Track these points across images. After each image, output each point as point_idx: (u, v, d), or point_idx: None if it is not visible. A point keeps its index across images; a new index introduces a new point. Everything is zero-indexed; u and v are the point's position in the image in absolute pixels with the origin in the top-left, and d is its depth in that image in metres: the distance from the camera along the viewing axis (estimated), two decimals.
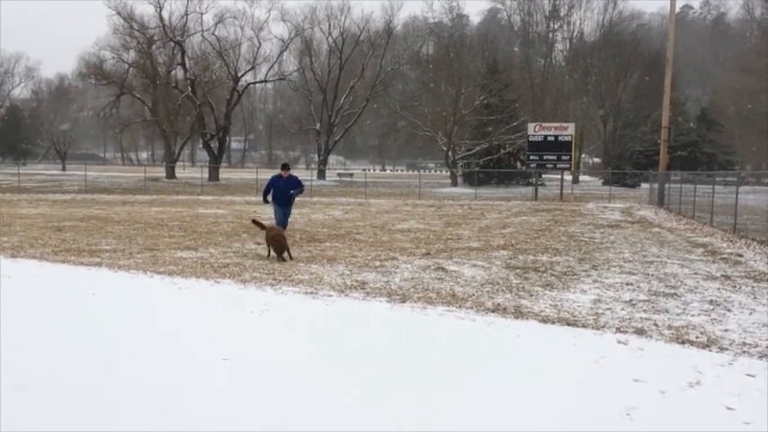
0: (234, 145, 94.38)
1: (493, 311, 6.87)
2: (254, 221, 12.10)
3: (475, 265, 9.96)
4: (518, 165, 45.20)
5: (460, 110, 42.90)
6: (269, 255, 10.51)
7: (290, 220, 13.79)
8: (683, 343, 5.75)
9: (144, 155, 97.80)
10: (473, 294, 7.74)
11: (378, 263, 10.11)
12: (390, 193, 35.64)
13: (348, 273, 9.17)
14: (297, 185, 13.33)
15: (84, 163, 56.78)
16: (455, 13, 77.37)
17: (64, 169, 66.13)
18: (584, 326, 6.31)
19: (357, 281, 8.54)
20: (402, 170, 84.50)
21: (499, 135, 41.80)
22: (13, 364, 4.97)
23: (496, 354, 5.41)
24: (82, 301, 7.16)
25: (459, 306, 7.11)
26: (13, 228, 14.55)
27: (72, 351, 5.33)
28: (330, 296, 7.58)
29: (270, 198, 13.29)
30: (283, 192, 13.14)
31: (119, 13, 48.28)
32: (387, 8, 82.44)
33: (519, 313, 6.79)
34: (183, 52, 49.88)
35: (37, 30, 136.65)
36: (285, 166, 13.56)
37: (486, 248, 12.01)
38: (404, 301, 7.31)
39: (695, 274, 9.47)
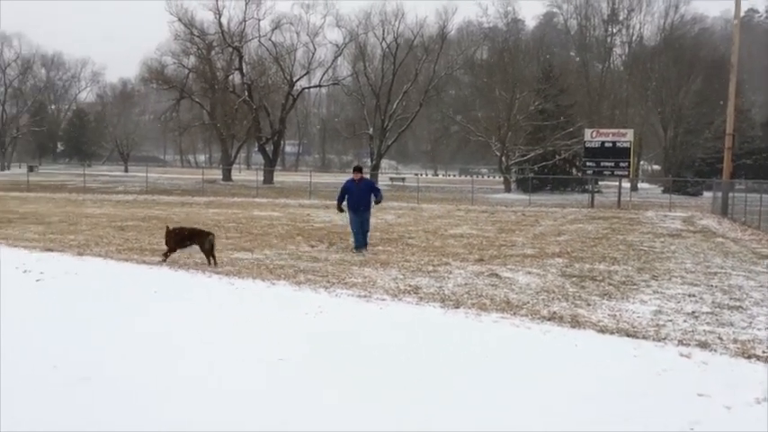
0: (288, 149, 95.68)
1: (549, 320, 6.76)
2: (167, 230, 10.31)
3: (529, 273, 9.83)
4: (573, 171, 44.41)
5: (515, 115, 42.46)
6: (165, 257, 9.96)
7: (368, 229, 12.41)
8: (749, 357, 5.53)
9: (202, 157, 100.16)
10: (528, 302, 7.64)
11: (431, 268, 10.09)
12: (443, 198, 35.52)
13: (401, 277, 9.17)
14: (373, 190, 12.26)
15: (145, 165, 58.64)
16: (510, 18, 76.61)
17: (126, 171, 68.33)
18: (644, 337, 6.14)
19: (410, 285, 8.54)
20: (454, 175, 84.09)
21: (554, 141, 41.18)
22: (78, 356, 5.16)
23: (553, 363, 5.32)
24: (144, 299, 7.38)
25: (514, 313, 7.02)
26: (79, 227, 15.11)
27: (134, 346, 5.50)
28: (383, 300, 7.60)
29: (345, 206, 12.25)
30: (358, 197, 11.97)
31: (180, 20, 49.76)
32: (441, 13, 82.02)
33: (576, 322, 6.67)
34: (241, 57, 50.96)
35: (102, 36, 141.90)
36: (357, 169, 12.38)
37: (541, 256, 11.84)
38: (457, 307, 7.27)
39: (761, 286, 9.10)
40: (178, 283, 8.41)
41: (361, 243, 12.00)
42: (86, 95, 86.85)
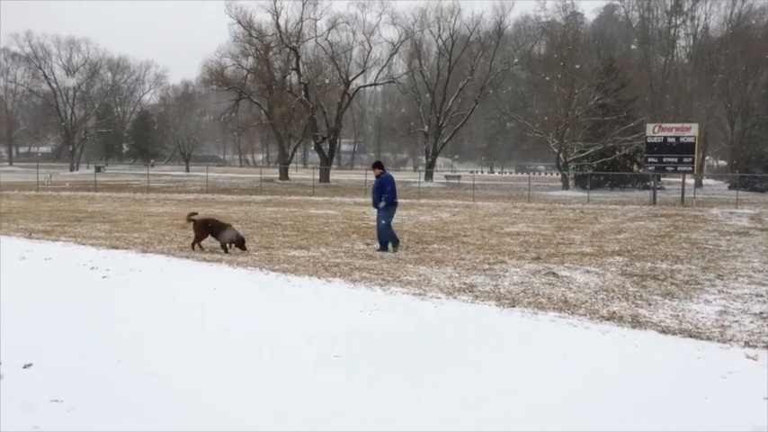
0: (344, 147, 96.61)
1: (608, 320, 6.61)
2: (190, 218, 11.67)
3: (588, 271, 9.62)
4: (634, 167, 43.18)
5: (573, 110, 41.58)
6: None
7: (388, 223, 11.47)
8: None
9: (260, 157, 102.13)
10: (586, 301, 7.49)
11: (486, 266, 10.00)
12: (498, 195, 35.14)
13: (456, 275, 9.13)
14: (380, 188, 11.45)
15: (205, 164, 60.18)
16: (569, 12, 74.85)
17: (187, 170, 70.24)
18: (708, 338, 5.94)
19: (465, 284, 8.49)
20: (511, 172, 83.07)
21: (614, 136, 40.12)
22: (142, 352, 5.34)
23: (613, 364, 5.20)
24: (204, 296, 7.57)
25: (572, 313, 6.90)
26: (143, 225, 15.62)
27: (195, 341, 5.66)
28: (438, 298, 7.58)
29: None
30: (373, 194, 11.65)
31: (239, 22, 50.77)
32: (498, 8, 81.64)
33: (636, 322, 6.50)
34: (298, 57, 51.61)
35: (165, 39, 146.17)
36: (376, 165, 11.90)
37: (600, 254, 11.57)
38: (513, 306, 7.19)
39: None
40: (236, 281, 8.59)
41: (380, 243, 11.60)
42: (150, 98, 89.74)
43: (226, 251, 11.00)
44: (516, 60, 54.12)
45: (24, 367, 4.84)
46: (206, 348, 5.47)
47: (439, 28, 54.17)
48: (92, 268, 9.18)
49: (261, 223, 16.50)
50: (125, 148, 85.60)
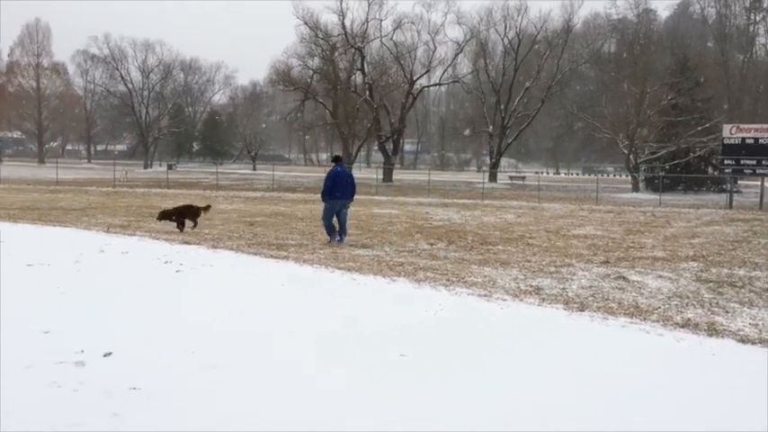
0: (407, 147, 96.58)
1: (682, 327, 6.38)
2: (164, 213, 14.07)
3: (660, 276, 9.31)
4: (709, 170, 41.51)
5: (645, 110, 40.32)
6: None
7: (326, 214, 12.35)
8: None
9: (324, 156, 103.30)
10: (659, 307, 7.25)
11: (553, 268, 9.82)
12: (565, 197, 34.44)
13: (522, 277, 9.00)
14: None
15: (271, 163, 61.35)
16: (641, 9, 72.70)
17: (254, 169, 71.83)
18: None
19: (531, 286, 8.36)
20: (578, 174, 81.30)
21: (688, 137, 38.65)
22: (213, 343, 5.50)
23: (688, 373, 5.02)
24: (272, 292, 7.73)
25: (644, 319, 6.69)
26: (212, 221, 16.05)
27: (261, 337, 5.79)
28: (504, 300, 7.49)
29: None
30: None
31: (306, 23, 51.57)
32: (566, 6, 79.77)
33: (713, 330, 6.25)
34: (363, 58, 52.02)
35: (235, 41, 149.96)
36: (333, 159, 13.13)
37: (673, 259, 11.18)
38: (582, 310, 7.03)
39: None
40: (302, 278, 8.72)
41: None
42: (219, 98, 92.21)
43: (195, 225, 13.83)
44: (585, 59, 52.88)
45: (105, 356, 5.06)
46: (274, 343, 5.58)
47: (505, 27, 53.58)
48: (166, 262, 9.51)
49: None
50: (195, 146, 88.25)
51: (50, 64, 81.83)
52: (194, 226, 13.81)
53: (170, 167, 60.21)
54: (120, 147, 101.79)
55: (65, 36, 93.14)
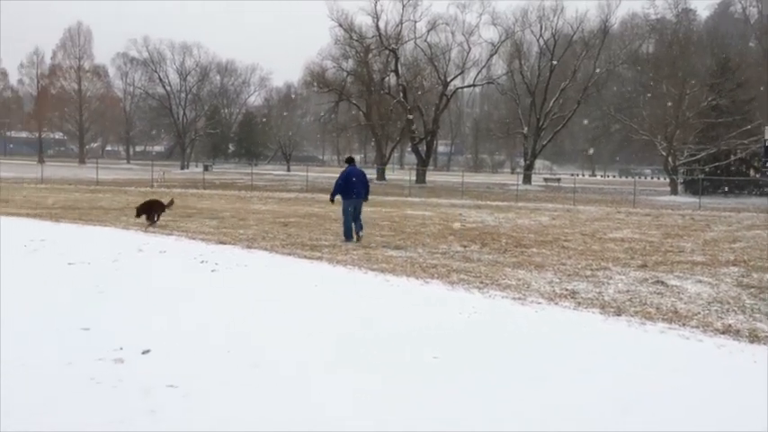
0: (440, 148, 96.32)
1: (723, 333, 6.23)
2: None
3: (700, 281, 9.11)
4: (750, 172, 40.47)
5: (684, 112, 39.49)
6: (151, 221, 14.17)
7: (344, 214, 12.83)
8: None
9: (357, 157, 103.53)
10: (698, 313, 7.09)
11: (589, 272, 9.68)
12: (601, 199, 33.93)
13: (557, 281, 8.90)
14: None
15: (305, 164, 61.83)
16: (680, 8, 71.30)
17: (288, 170, 72.40)
18: None
19: (567, 289, 8.26)
20: (614, 176, 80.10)
21: (729, 139, 37.72)
22: (248, 343, 5.55)
23: (730, 381, 4.90)
24: (306, 292, 7.78)
25: (683, 324, 6.55)
26: (247, 222, 16.24)
27: (297, 336, 5.82)
28: (539, 303, 7.41)
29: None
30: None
31: (340, 25, 51.81)
32: (603, 6, 78.26)
33: (755, 337, 6.09)
34: (397, 59, 52.04)
35: (270, 43, 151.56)
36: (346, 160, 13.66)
37: (713, 263, 10.92)
38: (619, 315, 6.92)
39: None
40: (336, 278, 8.76)
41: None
42: (255, 99, 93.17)
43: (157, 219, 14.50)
44: (622, 59, 52.04)
45: (143, 353, 5.15)
46: (309, 343, 5.61)
47: (541, 27, 53.02)
48: (202, 262, 9.64)
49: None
50: (231, 147, 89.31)
51: (91, 67, 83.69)
52: (156, 220, 14.50)
53: (206, 168, 61.06)
54: (157, 148, 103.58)
55: (105, 39, 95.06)
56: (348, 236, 12.61)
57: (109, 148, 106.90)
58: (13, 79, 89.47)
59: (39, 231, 12.89)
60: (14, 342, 5.40)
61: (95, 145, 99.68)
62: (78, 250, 10.40)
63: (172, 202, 15.69)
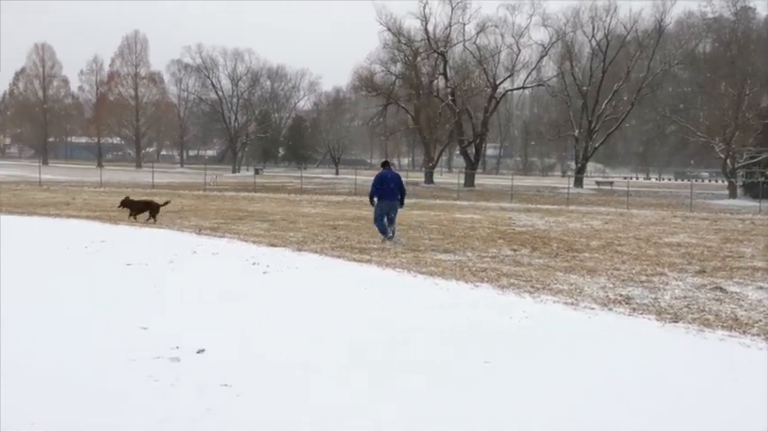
0: (489, 151, 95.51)
1: None
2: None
3: (761, 288, 8.79)
4: None
5: (744, 113, 38.19)
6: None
7: (378, 215, 13.13)
8: None
9: (405, 160, 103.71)
10: (760, 320, 6.84)
11: (644, 277, 9.46)
12: (656, 203, 33.08)
13: (611, 286, 8.72)
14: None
15: (353, 168, 62.14)
16: (738, 6, 68.98)
17: (337, 173, 73.00)
18: None
19: (621, 295, 8.08)
20: (669, 179, 78.00)
21: None
22: (299, 344, 5.62)
23: None
24: (356, 294, 7.83)
25: (744, 332, 6.33)
26: (297, 225, 16.45)
27: (346, 338, 5.86)
28: (592, 309, 7.28)
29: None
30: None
31: (389, 29, 51.98)
32: (658, 5, 76.18)
33: None
34: (446, 62, 51.90)
35: (319, 48, 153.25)
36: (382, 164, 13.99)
37: None
38: (676, 321, 6.73)
39: None
40: (385, 281, 8.79)
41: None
42: (304, 104, 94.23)
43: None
44: (678, 60, 50.64)
45: (198, 352, 5.27)
46: (358, 345, 5.64)
47: (593, 28, 52.05)
48: (253, 264, 9.81)
49: (407, 226, 16.74)
50: (281, 151, 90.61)
51: (147, 73, 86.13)
52: (152, 219, 15.93)
53: (257, 172, 62.02)
54: (210, 152, 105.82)
55: (161, 47, 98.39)
56: (384, 232, 12.94)
57: (164, 152, 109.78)
58: (74, 86, 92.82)
59: (99, 233, 13.34)
60: (79, 339, 5.60)
61: (151, 149, 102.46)
62: (136, 252, 10.72)
63: (167, 203, 17.22)
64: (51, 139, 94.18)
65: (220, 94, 79.75)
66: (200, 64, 79.73)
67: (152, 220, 15.80)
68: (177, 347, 5.34)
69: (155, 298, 7.36)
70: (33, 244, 11.85)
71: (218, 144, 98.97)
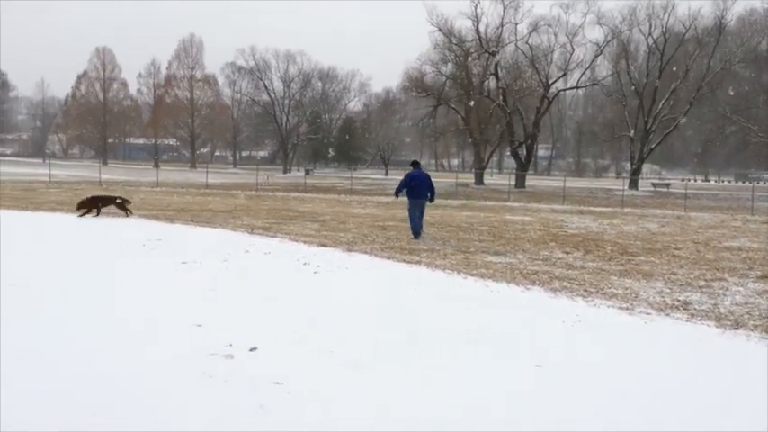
0: (541, 152, 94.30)
1: None
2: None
3: None
4: None
5: None
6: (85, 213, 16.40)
7: (410, 214, 13.95)
8: None
9: (455, 162, 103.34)
10: None
11: (702, 282, 9.16)
12: (715, 206, 32.02)
13: (667, 291, 8.48)
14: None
15: (403, 169, 62.14)
16: None
17: (386, 174, 73.20)
18: None
19: (678, 300, 7.85)
20: (729, 181, 75.44)
21: None
22: (350, 343, 5.65)
23: None
24: (407, 295, 7.84)
25: None
26: (347, 225, 16.56)
27: (397, 338, 5.87)
28: (648, 314, 7.09)
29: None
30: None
31: (440, 30, 51.77)
32: (719, 3, 74.04)
33: None
34: (497, 62, 51.40)
35: (369, 49, 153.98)
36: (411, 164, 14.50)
37: None
38: (737, 328, 6.50)
39: None
40: (435, 282, 8.76)
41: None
42: (354, 105, 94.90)
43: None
44: (739, 58, 48.86)
45: (250, 350, 5.36)
46: (406, 346, 5.64)
47: (650, 26, 50.67)
48: (304, 264, 9.92)
49: (457, 228, 16.67)
50: (331, 152, 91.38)
51: (202, 76, 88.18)
52: (96, 213, 16.65)
53: (307, 173, 62.71)
54: (262, 153, 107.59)
55: (215, 49, 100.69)
56: (416, 234, 13.57)
57: (217, 153, 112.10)
58: (133, 89, 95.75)
59: (155, 232, 13.72)
60: (135, 335, 5.78)
61: (205, 150, 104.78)
62: (191, 250, 10.98)
63: (126, 201, 17.50)
64: (111, 141, 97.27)
65: (272, 95, 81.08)
66: (253, 66, 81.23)
67: (125, 214, 16.75)
68: (230, 345, 5.45)
69: (209, 296, 7.52)
70: (94, 242, 12.27)
71: (270, 145, 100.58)
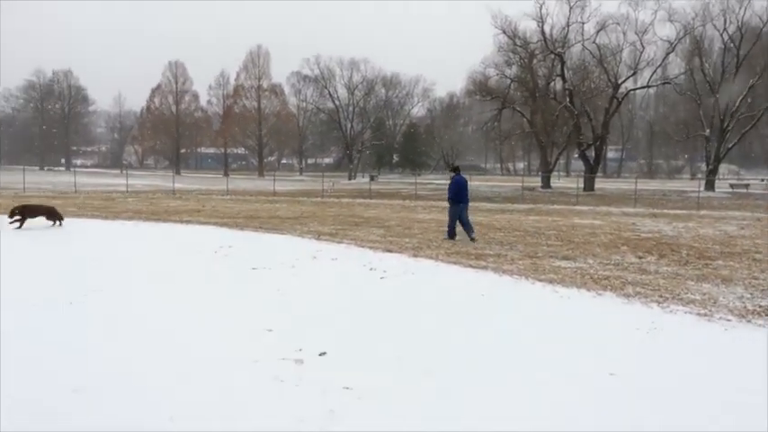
0: (610, 154, 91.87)
1: None
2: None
3: None
4: None
5: None
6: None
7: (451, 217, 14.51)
8: None
9: (520, 165, 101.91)
10: None
11: None
12: None
13: (749, 296, 8.10)
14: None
15: (468, 173, 61.74)
16: None
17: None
18: None
19: (761, 306, 7.49)
20: None
21: None
22: (420, 350, 5.65)
23: None
24: (473, 301, 7.78)
25: None
26: (412, 230, 16.57)
27: (466, 345, 5.83)
28: (728, 320, 6.79)
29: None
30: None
31: (504, 32, 51.28)
32: None
33: None
34: (563, 63, 50.46)
35: (432, 55, 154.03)
36: (452, 169, 15.16)
37: None
38: None
39: None
40: (502, 288, 8.66)
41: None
42: (418, 110, 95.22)
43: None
44: None
45: (320, 355, 5.44)
46: (474, 353, 5.59)
47: (724, 21, 48.70)
48: (371, 269, 9.99)
49: (524, 232, 16.43)
50: (395, 158, 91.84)
51: (269, 85, 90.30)
52: (20, 225, 15.53)
53: (372, 179, 63.21)
54: (327, 160, 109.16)
55: (281, 59, 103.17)
56: (451, 235, 14.18)
57: (284, 161, 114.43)
58: (203, 101, 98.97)
59: (226, 239, 14.10)
60: (208, 339, 5.95)
61: (272, 158, 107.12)
62: (260, 256, 11.23)
63: (52, 210, 16.51)
64: (183, 151, 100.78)
65: (337, 103, 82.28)
66: (317, 75, 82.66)
67: (57, 224, 16.10)
68: (300, 350, 5.54)
69: (279, 300, 7.67)
70: (169, 248, 12.73)
71: (335, 152, 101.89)
